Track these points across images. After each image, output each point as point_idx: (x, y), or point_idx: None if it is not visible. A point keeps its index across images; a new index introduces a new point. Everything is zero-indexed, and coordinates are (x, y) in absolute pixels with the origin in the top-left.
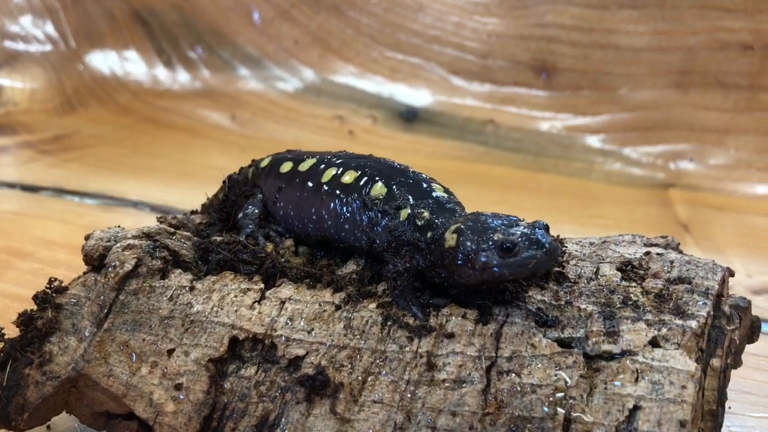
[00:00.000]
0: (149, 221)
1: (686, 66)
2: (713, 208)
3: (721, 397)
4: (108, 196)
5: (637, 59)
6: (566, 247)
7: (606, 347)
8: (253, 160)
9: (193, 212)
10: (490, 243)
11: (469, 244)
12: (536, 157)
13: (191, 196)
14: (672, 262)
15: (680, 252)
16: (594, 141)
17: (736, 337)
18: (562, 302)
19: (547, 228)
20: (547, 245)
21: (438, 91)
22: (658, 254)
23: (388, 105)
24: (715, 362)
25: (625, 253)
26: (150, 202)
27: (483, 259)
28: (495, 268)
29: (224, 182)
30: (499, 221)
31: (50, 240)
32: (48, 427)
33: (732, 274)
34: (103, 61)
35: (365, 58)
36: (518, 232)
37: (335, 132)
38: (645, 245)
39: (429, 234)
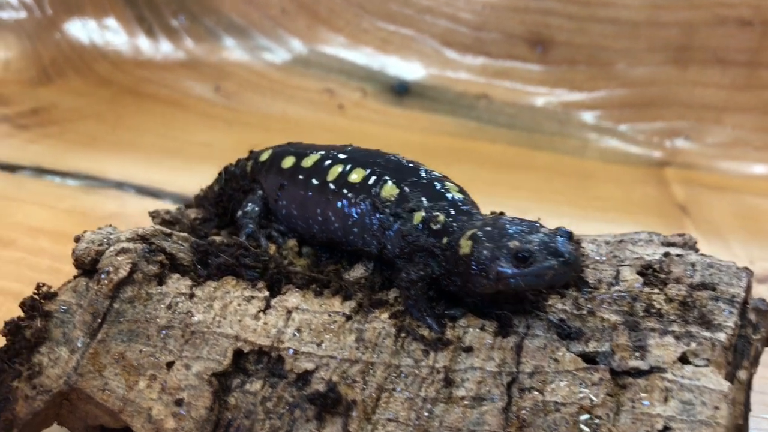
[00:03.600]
0: (133, 203)
1: (684, 41)
2: (709, 187)
3: (746, 410)
4: (89, 176)
5: (635, 34)
6: (583, 247)
7: (634, 363)
8: (251, 152)
9: (187, 206)
10: (505, 251)
11: (484, 252)
12: (531, 134)
13: (177, 176)
14: (693, 264)
15: (699, 252)
16: (589, 117)
17: (759, 346)
18: (584, 311)
19: (570, 236)
20: (566, 255)
21: (430, 63)
22: (677, 255)
23: (378, 78)
24: (742, 374)
25: (643, 254)
26: (134, 183)
27: (498, 269)
28: (510, 279)
29: (220, 174)
30: (518, 227)
31: (32, 226)
32: None
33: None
34: (81, 29)
35: (355, 29)
36: (536, 240)
37: (324, 106)
38: (662, 245)
39: (445, 239)
